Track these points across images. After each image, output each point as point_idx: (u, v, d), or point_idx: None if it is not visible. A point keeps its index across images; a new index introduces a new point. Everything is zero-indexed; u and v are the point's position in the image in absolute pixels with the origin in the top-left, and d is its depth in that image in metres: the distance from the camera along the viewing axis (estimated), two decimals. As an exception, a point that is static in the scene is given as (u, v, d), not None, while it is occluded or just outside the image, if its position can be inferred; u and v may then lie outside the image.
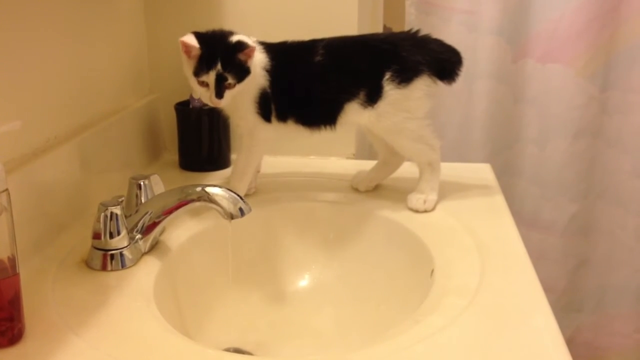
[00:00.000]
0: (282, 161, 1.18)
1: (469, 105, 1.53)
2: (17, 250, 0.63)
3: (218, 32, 0.93)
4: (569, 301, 1.64)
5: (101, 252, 0.78)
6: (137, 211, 0.82)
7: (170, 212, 0.81)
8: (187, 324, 0.81)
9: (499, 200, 1.03)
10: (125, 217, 0.79)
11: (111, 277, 0.77)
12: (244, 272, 0.89)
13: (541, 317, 0.69)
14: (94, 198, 0.85)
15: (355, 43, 0.99)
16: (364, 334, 0.86)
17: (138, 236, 0.81)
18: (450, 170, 1.07)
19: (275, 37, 0.98)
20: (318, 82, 0.95)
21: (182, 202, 0.80)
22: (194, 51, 0.89)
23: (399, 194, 1.01)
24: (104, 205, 0.77)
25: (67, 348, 0.62)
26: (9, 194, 0.61)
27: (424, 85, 0.95)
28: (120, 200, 0.80)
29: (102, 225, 0.77)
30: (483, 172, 1.17)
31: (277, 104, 0.96)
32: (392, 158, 1.05)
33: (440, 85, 0.96)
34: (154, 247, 0.83)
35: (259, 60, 0.94)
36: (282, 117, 0.97)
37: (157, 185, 0.87)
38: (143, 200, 0.84)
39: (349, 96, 0.94)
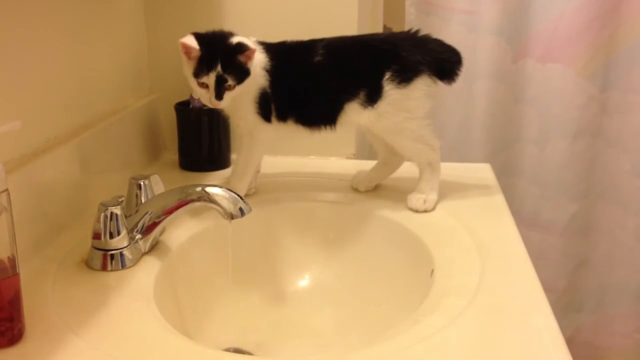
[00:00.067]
0: (282, 161, 1.18)
1: (469, 105, 1.53)
2: (17, 250, 0.63)
3: (218, 33, 0.93)
4: (569, 301, 1.64)
5: (101, 252, 0.78)
6: (137, 211, 0.82)
7: (170, 212, 0.81)
8: (187, 324, 0.81)
9: (499, 200, 1.03)
10: (125, 217, 0.79)
11: (111, 277, 0.77)
12: (244, 272, 0.89)
13: (541, 317, 0.69)
14: (94, 198, 0.85)
15: (355, 43, 0.99)
16: (364, 334, 0.86)
17: (138, 236, 0.81)
18: (450, 170, 1.07)
19: (275, 37, 0.98)
20: (318, 82, 0.95)
21: (182, 202, 0.80)
22: (194, 52, 0.89)
23: (399, 194, 1.01)
24: (104, 205, 0.77)
25: (67, 348, 0.62)
26: (9, 194, 0.61)
27: (424, 85, 0.95)
28: (120, 200, 0.80)
29: (102, 225, 0.77)
30: (483, 172, 1.17)
31: (277, 104, 0.96)
32: (392, 158, 1.05)
33: (440, 85, 0.96)
34: (154, 247, 0.83)
35: (258, 60, 0.94)
36: (282, 117, 0.97)
37: (157, 185, 0.87)
38: (143, 200, 0.84)
39: (349, 96, 0.94)
